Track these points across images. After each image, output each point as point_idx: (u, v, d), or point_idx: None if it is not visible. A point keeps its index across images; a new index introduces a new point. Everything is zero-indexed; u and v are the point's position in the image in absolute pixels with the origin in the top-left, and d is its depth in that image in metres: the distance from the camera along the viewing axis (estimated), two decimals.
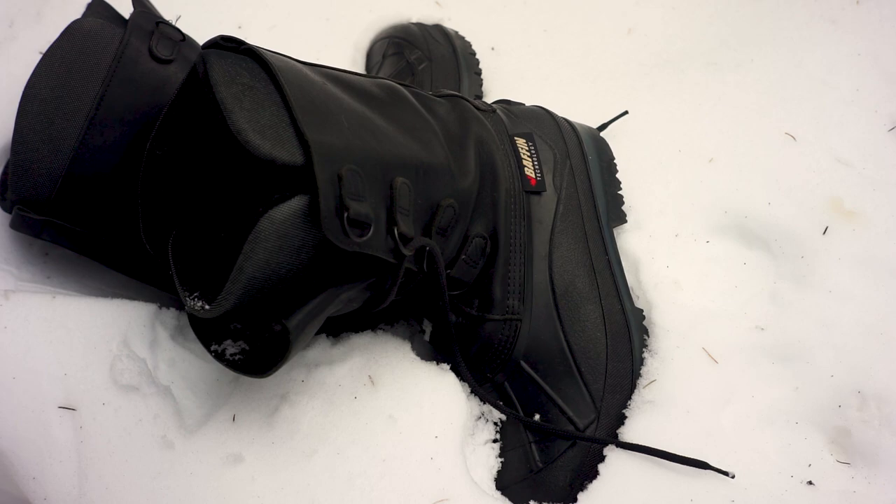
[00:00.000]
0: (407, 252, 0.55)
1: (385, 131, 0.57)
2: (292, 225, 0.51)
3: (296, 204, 0.51)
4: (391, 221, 0.55)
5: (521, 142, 0.69)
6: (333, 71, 0.60)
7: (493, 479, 0.64)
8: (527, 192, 0.67)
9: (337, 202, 0.51)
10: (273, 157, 0.50)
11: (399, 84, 0.64)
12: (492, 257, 0.65)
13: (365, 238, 0.52)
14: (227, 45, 0.53)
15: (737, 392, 0.65)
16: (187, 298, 0.54)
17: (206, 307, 0.52)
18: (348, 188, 0.51)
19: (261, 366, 0.54)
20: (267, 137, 0.50)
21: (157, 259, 0.59)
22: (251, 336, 0.56)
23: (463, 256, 0.63)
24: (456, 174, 0.62)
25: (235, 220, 0.57)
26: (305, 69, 0.56)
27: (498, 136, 0.68)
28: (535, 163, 0.68)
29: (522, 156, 0.68)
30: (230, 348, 0.56)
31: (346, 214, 0.51)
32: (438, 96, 0.67)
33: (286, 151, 0.50)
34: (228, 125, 0.50)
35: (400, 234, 0.55)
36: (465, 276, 0.64)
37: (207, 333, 0.56)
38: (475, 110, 0.68)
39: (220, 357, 0.56)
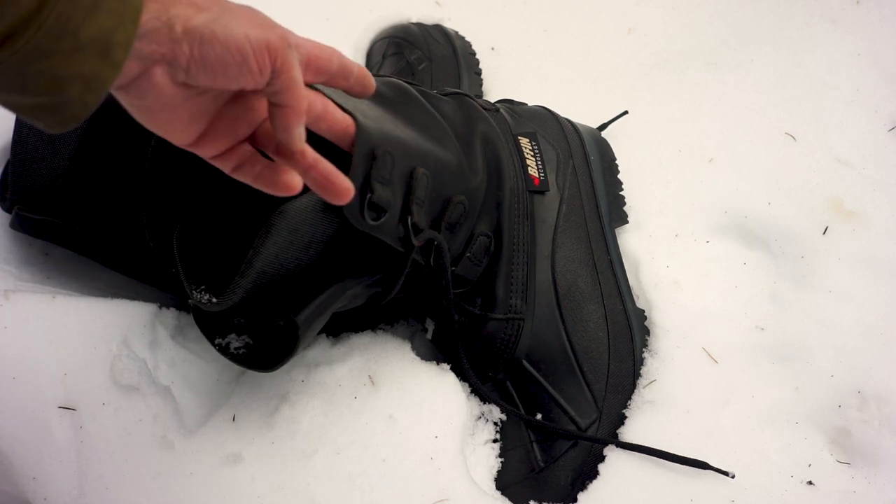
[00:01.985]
0: (416, 242, 0.55)
1: (401, 126, 0.57)
2: (303, 220, 0.50)
3: (307, 200, 0.50)
4: (406, 210, 0.55)
5: (524, 141, 0.69)
6: None
7: (493, 479, 0.64)
8: (530, 191, 0.67)
9: (363, 181, 0.51)
10: None
11: (406, 82, 0.64)
12: (495, 256, 0.65)
13: (379, 222, 0.52)
14: None
15: (737, 392, 0.65)
16: (193, 291, 0.54)
17: (213, 300, 0.52)
18: (378, 169, 0.51)
19: (264, 360, 0.54)
20: None
21: (160, 255, 0.58)
22: (255, 330, 0.56)
23: (467, 254, 0.63)
24: (467, 172, 0.61)
25: (242, 214, 0.57)
26: None
27: (503, 135, 0.68)
28: (539, 162, 0.68)
29: (526, 155, 0.68)
30: (234, 342, 0.56)
31: (368, 196, 0.51)
32: (443, 95, 0.67)
33: None
34: None
35: (413, 223, 0.55)
36: (468, 273, 0.64)
37: (211, 327, 0.56)
38: (481, 109, 0.68)
39: (224, 351, 0.56)
